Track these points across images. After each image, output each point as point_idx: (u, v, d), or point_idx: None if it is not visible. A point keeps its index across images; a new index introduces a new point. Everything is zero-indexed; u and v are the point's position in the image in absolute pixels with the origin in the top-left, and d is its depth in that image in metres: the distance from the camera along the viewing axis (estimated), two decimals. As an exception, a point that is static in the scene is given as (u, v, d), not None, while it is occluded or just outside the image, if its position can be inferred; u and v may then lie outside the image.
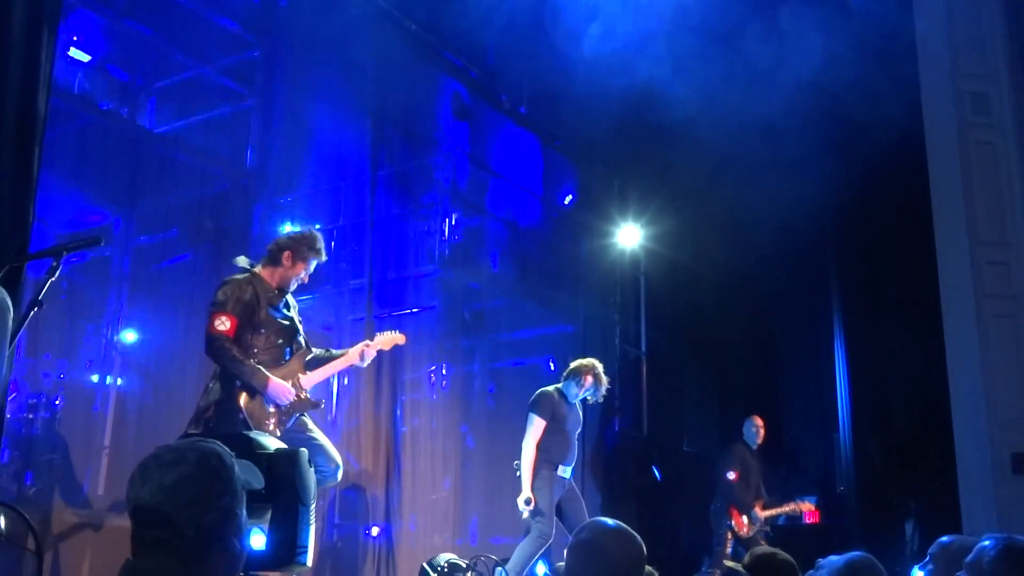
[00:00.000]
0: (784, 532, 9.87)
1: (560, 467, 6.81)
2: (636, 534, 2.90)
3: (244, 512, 2.16)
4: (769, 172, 9.75)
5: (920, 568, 3.76)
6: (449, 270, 9.17)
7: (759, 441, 9.32)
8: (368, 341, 6.00)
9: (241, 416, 5.29)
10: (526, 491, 6.69)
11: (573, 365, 7.17)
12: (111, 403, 6.47)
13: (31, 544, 3.93)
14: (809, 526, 10.50)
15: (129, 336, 6.86)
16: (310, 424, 5.67)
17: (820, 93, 8.99)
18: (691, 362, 12.50)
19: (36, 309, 3.59)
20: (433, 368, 8.74)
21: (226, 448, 2.18)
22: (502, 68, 9.97)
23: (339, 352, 5.90)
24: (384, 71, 8.36)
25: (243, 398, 5.33)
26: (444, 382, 8.83)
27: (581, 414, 7.16)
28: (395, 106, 8.66)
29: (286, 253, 5.62)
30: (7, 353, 3.40)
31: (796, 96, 8.80)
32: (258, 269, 5.61)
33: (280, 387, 5.42)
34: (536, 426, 6.84)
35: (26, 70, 4.28)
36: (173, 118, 7.28)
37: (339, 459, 5.63)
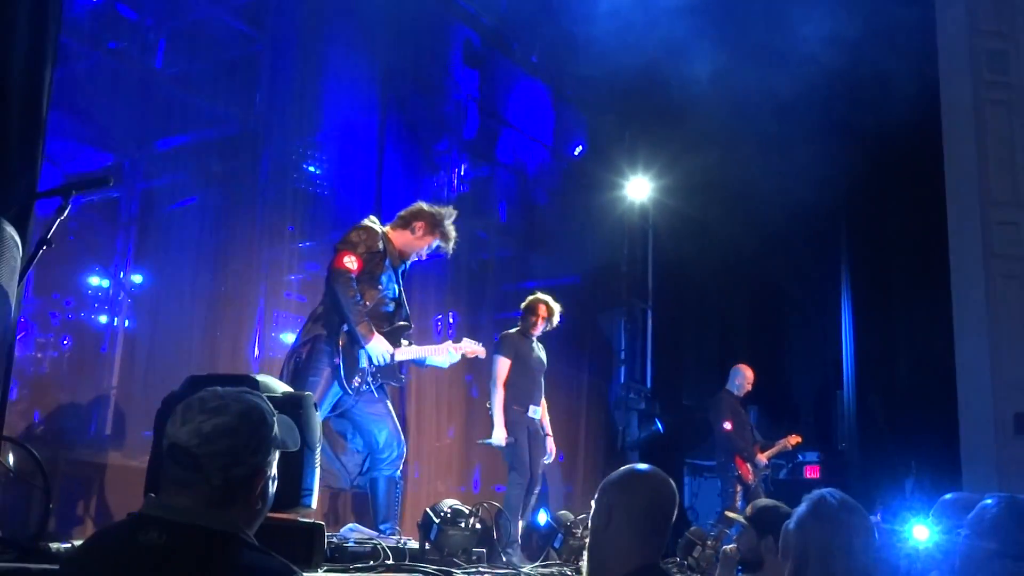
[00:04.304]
0: (785, 487, 9.93)
1: (530, 407, 6.94)
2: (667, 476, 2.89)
3: (274, 471, 2.19)
4: (780, 127, 9.67)
5: (926, 521, 3.77)
6: (457, 219, 9.12)
7: (746, 390, 9.32)
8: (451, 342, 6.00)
9: (336, 360, 5.24)
10: (500, 429, 6.82)
11: (524, 303, 7.27)
12: (119, 344, 6.48)
13: (39, 481, 3.97)
14: (810, 481, 10.57)
15: (137, 278, 6.86)
16: (389, 404, 5.61)
17: (837, 48, 8.89)
18: (695, 316, 12.50)
19: (45, 248, 3.60)
20: (440, 317, 8.76)
21: (270, 405, 2.19)
22: (515, 16, 9.86)
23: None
24: (396, 16, 8.27)
25: (343, 343, 5.26)
26: (450, 331, 8.85)
27: (544, 356, 7.21)
28: (406, 52, 8.58)
29: (420, 223, 5.64)
30: (16, 291, 3.43)
31: (812, 52, 8.70)
32: (387, 229, 5.59)
33: (382, 343, 5.34)
34: (501, 366, 6.98)
35: (35, 5, 4.23)
36: (183, 60, 7.21)
37: (403, 442, 5.55)
